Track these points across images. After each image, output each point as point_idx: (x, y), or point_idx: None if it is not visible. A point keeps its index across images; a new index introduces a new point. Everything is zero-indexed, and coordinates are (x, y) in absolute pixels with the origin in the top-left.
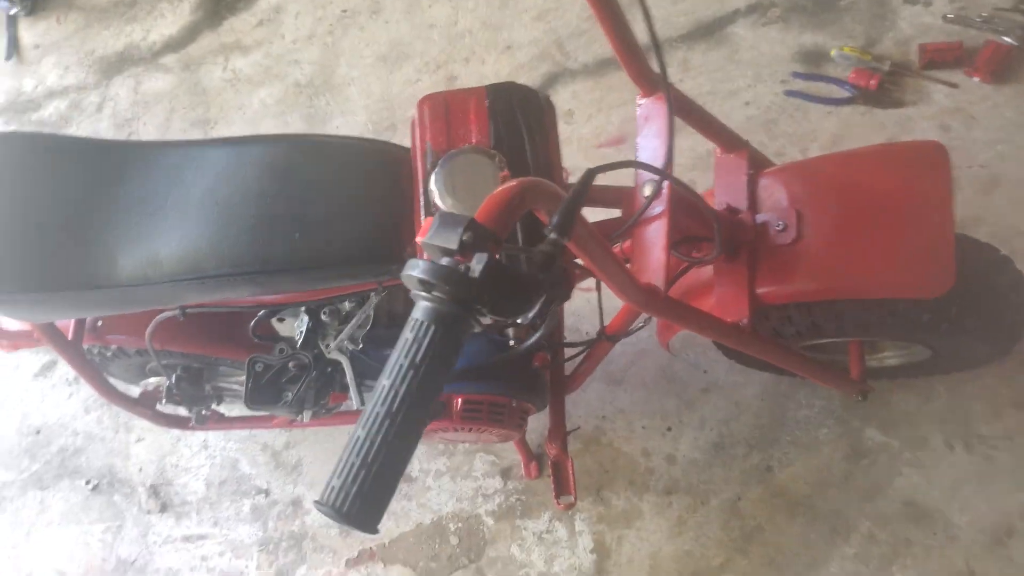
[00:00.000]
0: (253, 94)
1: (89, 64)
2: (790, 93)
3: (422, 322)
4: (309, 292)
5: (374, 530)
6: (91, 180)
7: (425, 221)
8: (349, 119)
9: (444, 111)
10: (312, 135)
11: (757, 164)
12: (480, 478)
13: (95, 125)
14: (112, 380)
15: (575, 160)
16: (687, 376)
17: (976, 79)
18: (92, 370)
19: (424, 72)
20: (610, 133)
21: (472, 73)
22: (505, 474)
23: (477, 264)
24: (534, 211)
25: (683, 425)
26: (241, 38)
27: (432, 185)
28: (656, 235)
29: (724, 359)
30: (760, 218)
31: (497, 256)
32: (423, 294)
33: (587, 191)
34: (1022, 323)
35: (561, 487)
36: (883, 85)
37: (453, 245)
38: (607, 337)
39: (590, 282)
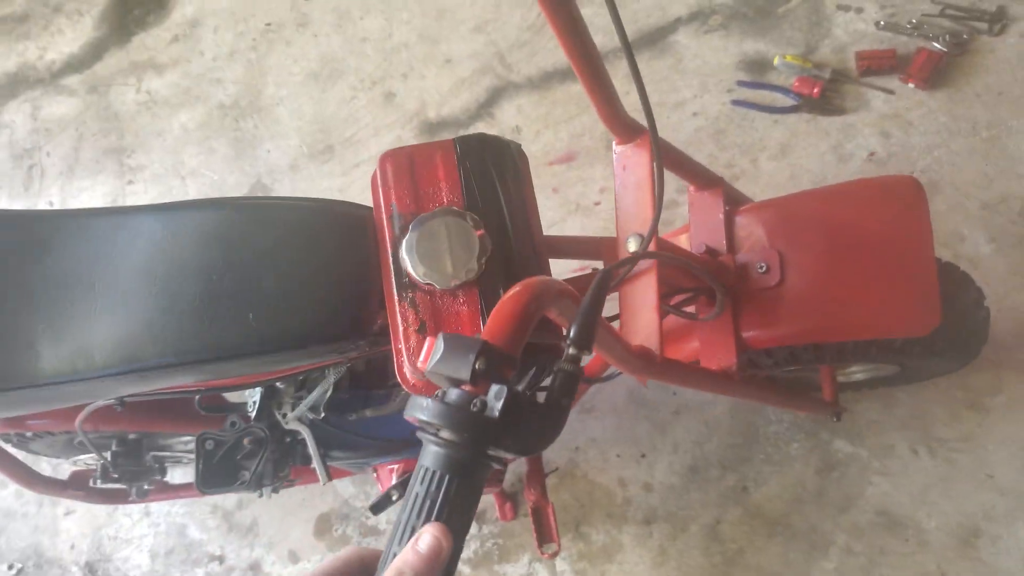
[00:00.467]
0: (172, 118)
1: None
2: (736, 103)
3: (434, 472)
4: (265, 374)
5: None
6: (4, 258)
7: (427, 344)
8: (280, 143)
9: (409, 168)
10: (258, 197)
11: (731, 200)
12: None
13: None
14: (36, 457)
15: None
16: (657, 399)
17: (911, 85)
18: (10, 461)
19: (360, 89)
20: (559, 150)
21: (412, 89)
22: (478, 518)
23: (495, 400)
24: (549, 313)
25: (657, 451)
26: (154, 56)
27: (403, 254)
28: (645, 294)
29: None
30: (740, 259)
31: (513, 387)
32: (432, 438)
33: (604, 297)
34: (983, 336)
35: (543, 535)
36: (825, 93)
37: (465, 375)
38: (584, 379)
39: None
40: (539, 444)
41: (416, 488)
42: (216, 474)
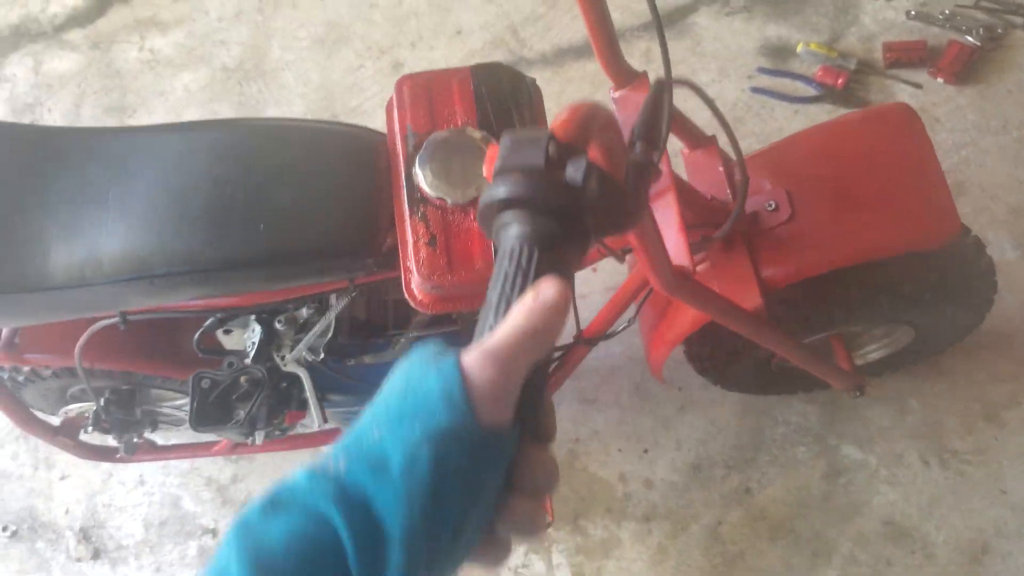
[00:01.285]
0: (175, 78)
1: None
2: (756, 90)
3: (521, 247)
4: (271, 292)
5: None
6: (20, 170)
7: (489, 150)
8: (285, 109)
9: (426, 92)
10: (274, 118)
11: (725, 159)
12: None
13: None
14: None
15: None
16: (662, 394)
17: (940, 80)
18: (6, 395)
19: (367, 58)
20: None
21: (420, 59)
22: None
23: (575, 172)
24: (595, 146)
25: (659, 447)
26: (158, 13)
27: (417, 169)
28: (667, 214)
29: (699, 376)
30: (749, 203)
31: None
32: (513, 217)
33: (663, 104)
34: (991, 283)
35: None
36: (849, 84)
37: (539, 161)
38: (585, 341)
39: None
40: (624, 218)
41: (504, 267)
42: (210, 412)
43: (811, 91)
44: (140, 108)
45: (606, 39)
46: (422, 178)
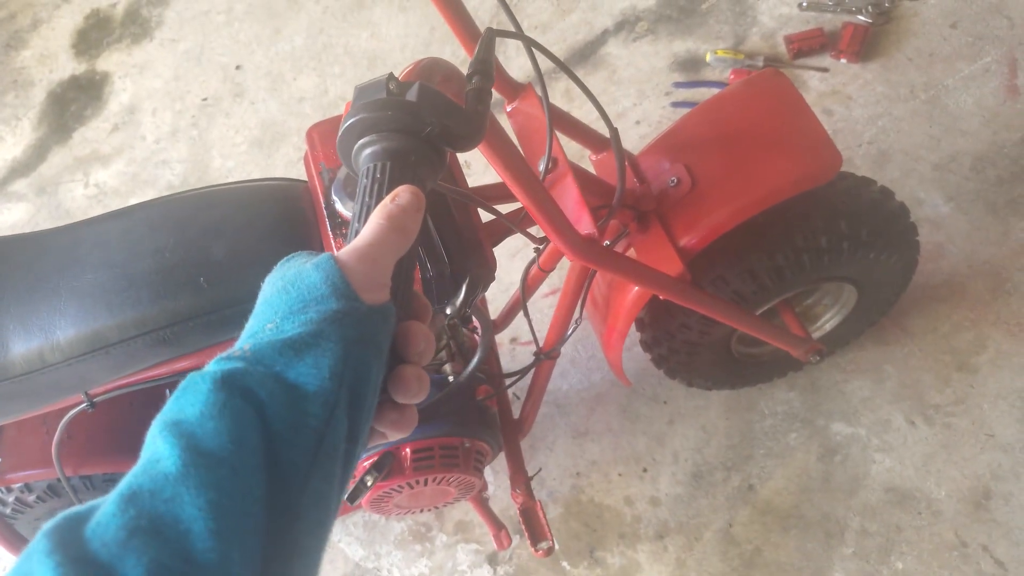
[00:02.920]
0: (124, 206)
1: None
2: (676, 104)
3: (375, 164)
4: (224, 343)
5: None
6: None
7: (345, 106)
8: None
9: (333, 132)
10: (203, 187)
11: (626, 155)
12: (467, 571)
13: None
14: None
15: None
16: (649, 411)
17: (843, 61)
18: (2, 526)
19: (304, 148)
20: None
21: None
22: (492, 560)
23: (411, 94)
24: (440, 87)
25: (658, 463)
26: (97, 148)
27: (333, 196)
28: (567, 191)
29: (681, 387)
30: (654, 187)
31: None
32: (364, 140)
33: (494, 44)
34: (908, 224)
35: (536, 534)
36: None
37: (381, 93)
38: (545, 355)
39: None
40: (467, 129)
41: (363, 182)
42: None
43: None
44: None
45: (453, 13)
46: (339, 203)
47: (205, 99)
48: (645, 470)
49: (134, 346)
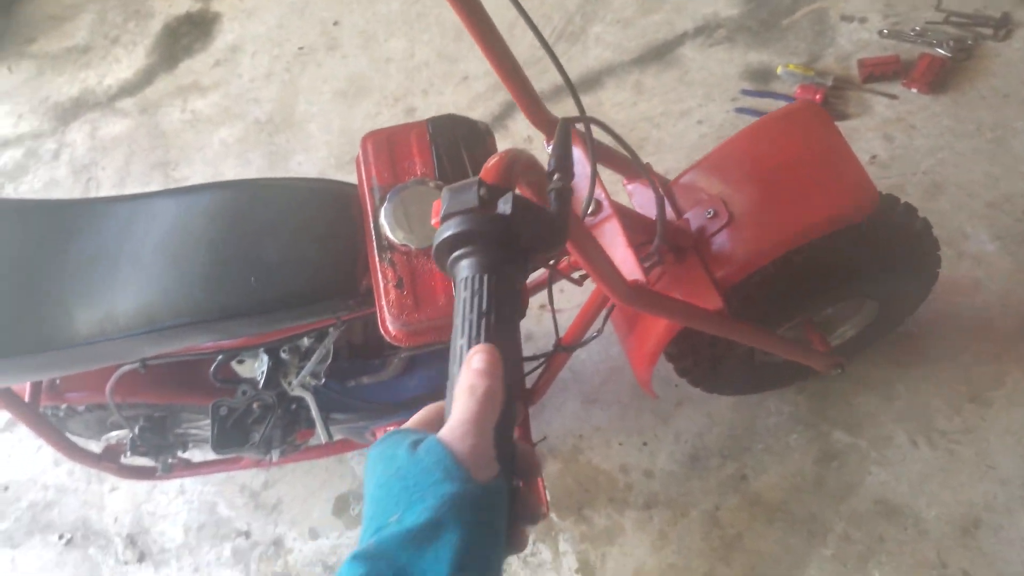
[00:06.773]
0: (213, 134)
1: (44, 111)
2: (740, 110)
3: (473, 275)
4: (268, 334)
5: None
6: (41, 241)
7: (435, 205)
8: (311, 155)
9: (387, 146)
10: (258, 179)
11: (660, 181)
12: None
13: (52, 172)
14: (73, 437)
15: None
16: (660, 391)
17: (914, 90)
18: (52, 431)
19: (383, 105)
20: None
21: (431, 104)
22: None
23: (504, 205)
24: (521, 184)
25: (659, 440)
26: (198, 79)
27: (382, 220)
28: (613, 235)
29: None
30: (691, 219)
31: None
32: (461, 252)
33: (570, 137)
34: (931, 241)
35: None
36: (828, 99)
37: (474, 202)
38: (563, 348)
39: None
40: (553, 235)
41: (463, 294)
42: (229, 437)
43: None
44: (182, 162)
45: (525, 98)
46: (386, 227)
47: (302, 48)
48: (645, 444)
49: (184, 330)
